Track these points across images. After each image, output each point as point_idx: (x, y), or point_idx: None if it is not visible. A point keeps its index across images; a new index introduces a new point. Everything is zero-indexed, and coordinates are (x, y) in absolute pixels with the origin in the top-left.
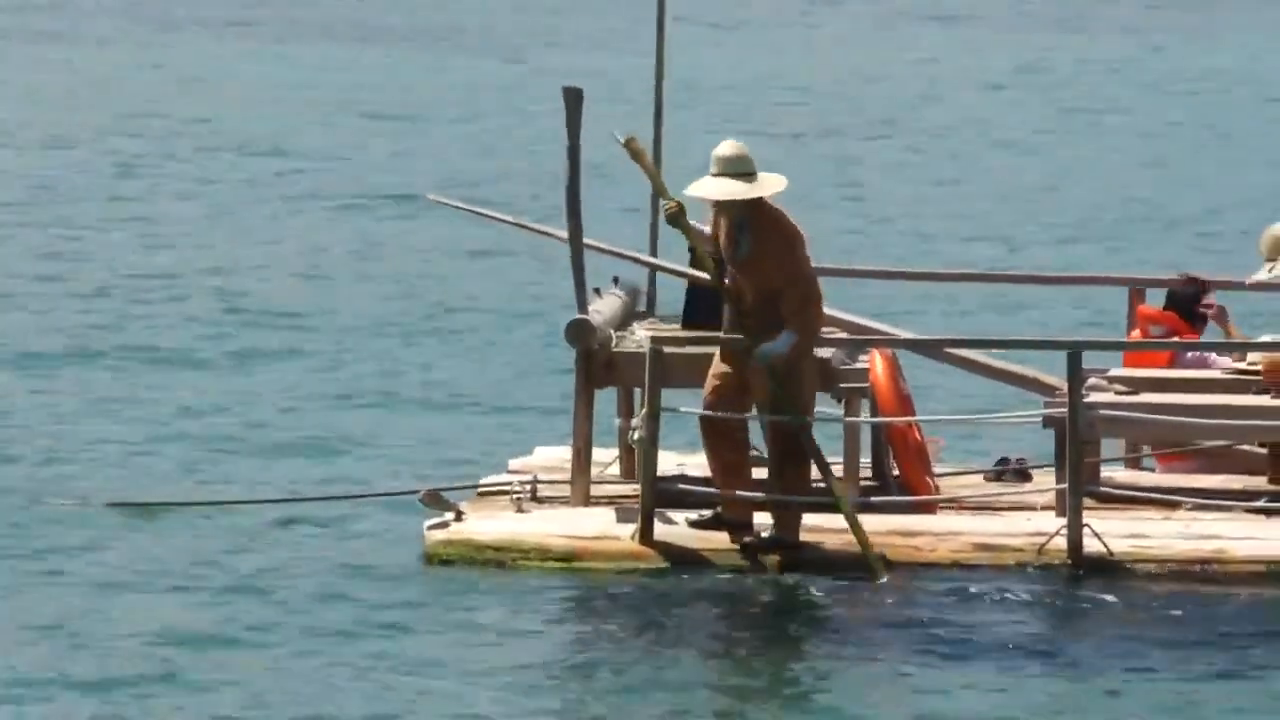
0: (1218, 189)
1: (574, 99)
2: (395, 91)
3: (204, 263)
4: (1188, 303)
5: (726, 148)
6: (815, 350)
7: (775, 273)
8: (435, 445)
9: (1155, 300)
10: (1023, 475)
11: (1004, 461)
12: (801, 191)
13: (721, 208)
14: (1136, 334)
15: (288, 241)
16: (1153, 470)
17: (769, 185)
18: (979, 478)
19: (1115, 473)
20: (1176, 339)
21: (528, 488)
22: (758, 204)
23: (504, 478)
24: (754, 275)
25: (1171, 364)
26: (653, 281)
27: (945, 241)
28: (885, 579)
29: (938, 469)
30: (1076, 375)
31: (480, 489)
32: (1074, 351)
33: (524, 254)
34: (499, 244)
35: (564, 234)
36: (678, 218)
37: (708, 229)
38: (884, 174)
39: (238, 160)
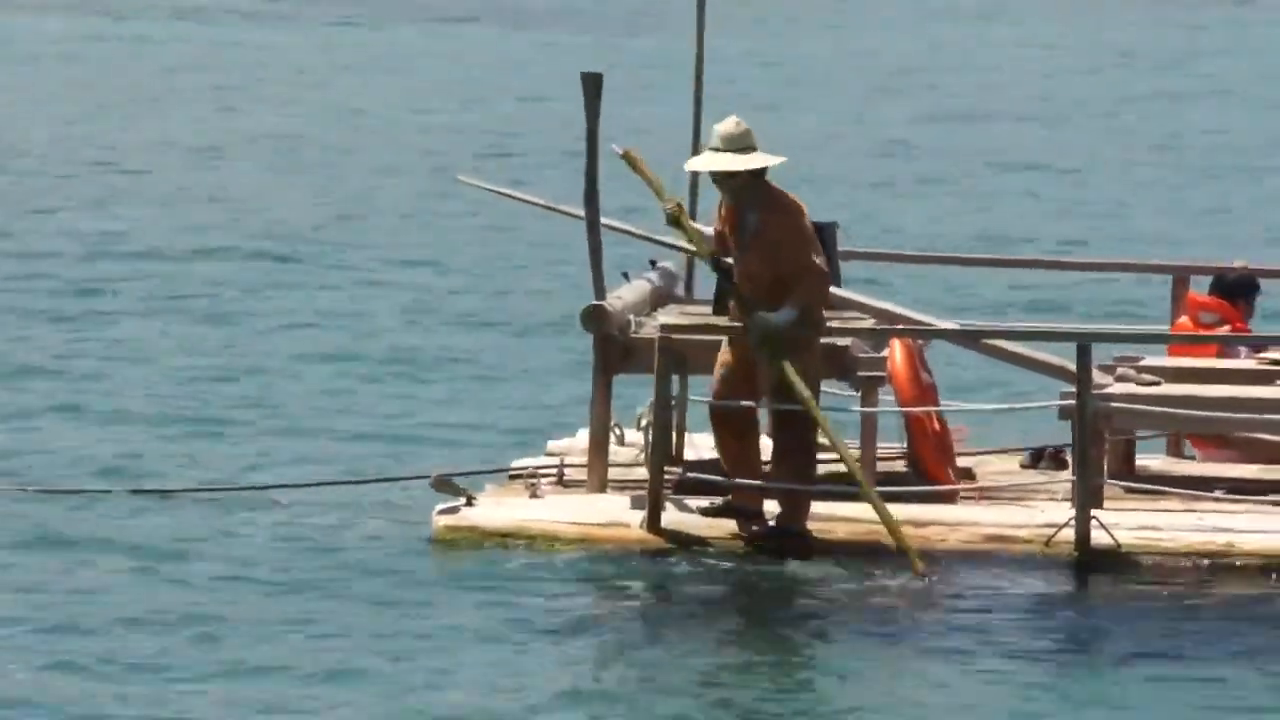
0: None
1: (593, 84)
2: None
3: (226, 248)
4: (1238, 290)
5: (728, 124)
6: (828, 338)
7: (785, 250)
8: (476, 428)
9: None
10: (1059, 463)
11: (1041, 450)
12: (858, 169)
13: (726, 189)
14: (1185, 320)
15: (316, 219)
16: (1194, 458)
17: (765, 159)
18: (1015, 465)
19: (1152, 460)
20: (1219, 330)
21: (551, 472)
22: (762, 182)
23: (540, 460)
24: (762, 252)
25: (1221, 354)
26: (690, 266)
27: (1015, 225)
28: (924, 573)
29: (969, 456)
30: (1085, 366)
31: (511, 472)
32: (1083, 343)
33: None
34: (552, 225)
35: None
36: (678, 218)
37: (711, 230)
38: (954, 156)
39: (263, 141)
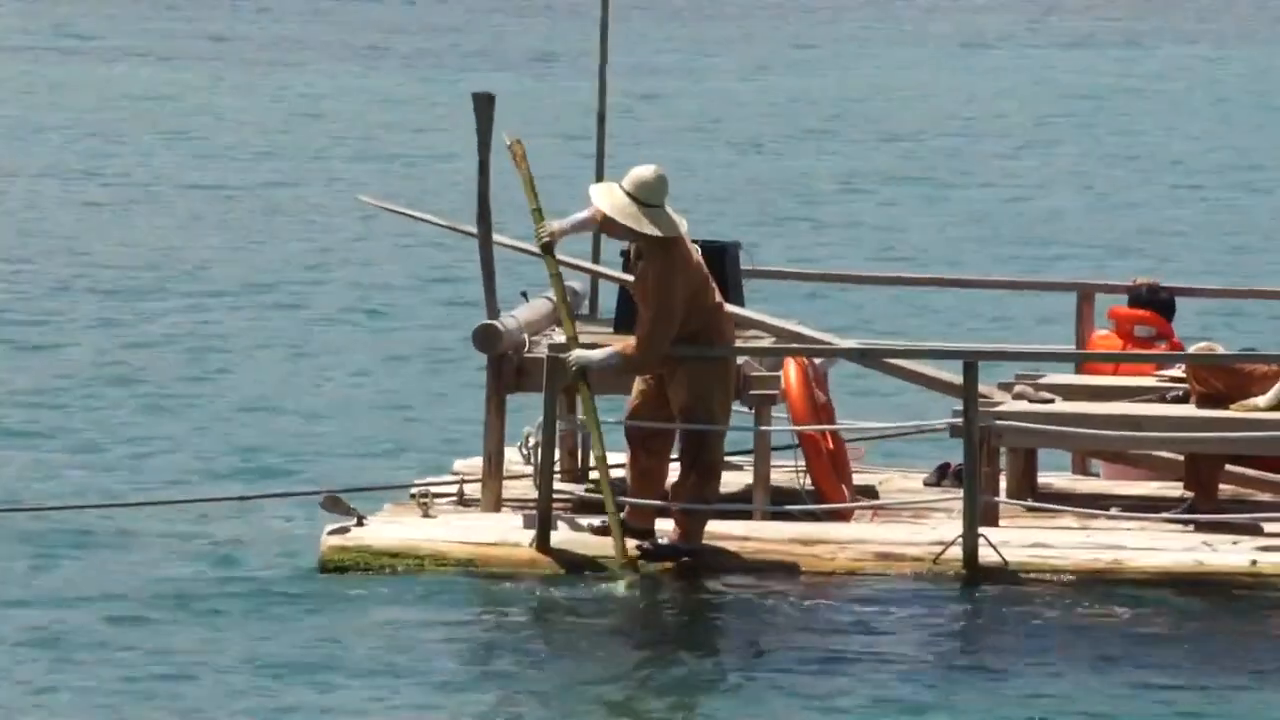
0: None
1: (484, 104)
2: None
3: (125, 267)
4: (1165, 305)
5: (645, 171)
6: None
7: (647, 299)
8: (383, 446)
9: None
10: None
11: (944, 467)
12: (760, 191)
13: (616, 229)
14: (1106, 333)
15: (221, 244)
16: (1098, 475)
17: (662, 225)
18: (918, 483)
19: (1055, 478)
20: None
21: (450, 491)
22: (654, 239)
23: (444, 479)
24: (640, 295)
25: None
26: (594, 285)
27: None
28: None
29: (872, 473)
30: (972, 384)
31: (411, 491)
32: (969, 360)
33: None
34: (459, 246)
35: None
36: (549, 248)
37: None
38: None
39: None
